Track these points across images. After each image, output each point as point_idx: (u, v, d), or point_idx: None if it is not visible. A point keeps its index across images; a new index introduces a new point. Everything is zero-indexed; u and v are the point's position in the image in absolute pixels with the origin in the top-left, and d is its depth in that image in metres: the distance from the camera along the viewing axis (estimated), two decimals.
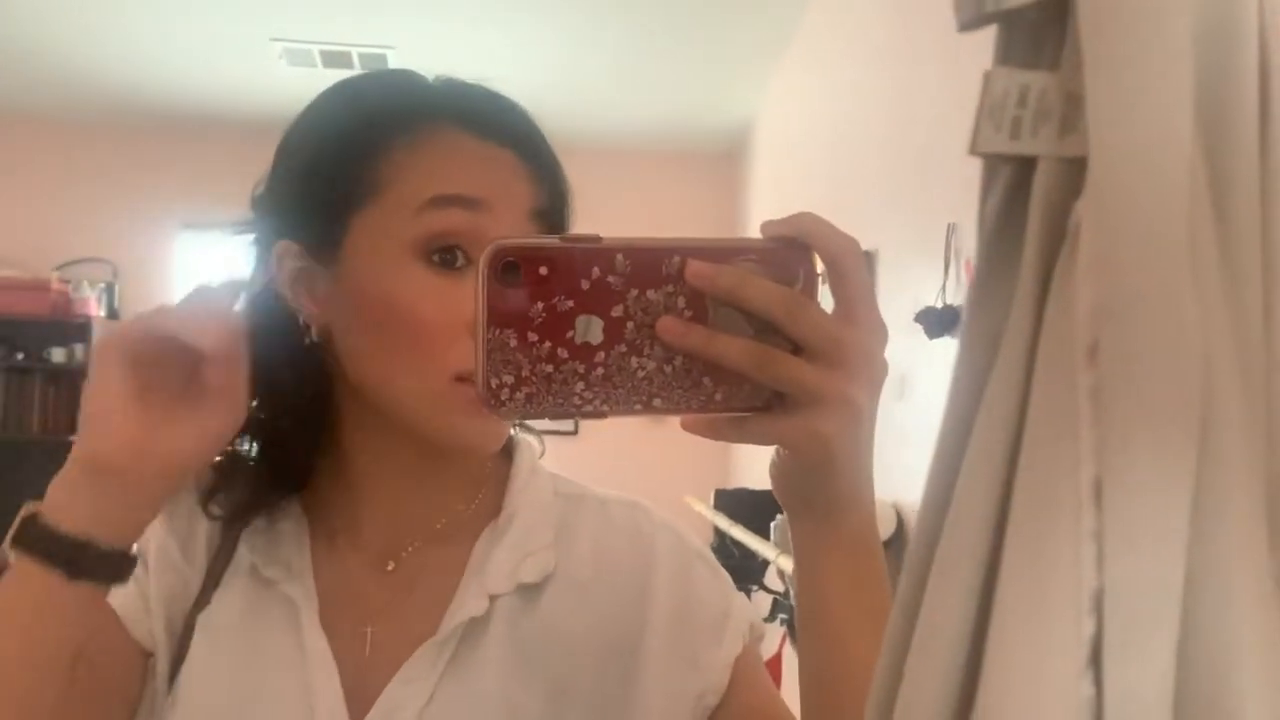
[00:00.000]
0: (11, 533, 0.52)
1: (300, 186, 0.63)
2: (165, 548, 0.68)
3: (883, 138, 2.66)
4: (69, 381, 3.87)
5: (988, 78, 0.32)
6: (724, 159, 4.59)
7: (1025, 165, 0.33)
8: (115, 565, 0.52)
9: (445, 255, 0.59)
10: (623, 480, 0.84)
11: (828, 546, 0.49)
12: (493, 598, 0.65)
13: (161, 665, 0.65)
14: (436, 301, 0.58)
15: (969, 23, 0.32)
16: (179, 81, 3.88)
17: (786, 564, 2.13)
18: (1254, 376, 0.35)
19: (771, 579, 2.67)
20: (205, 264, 4.21)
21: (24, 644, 0.52)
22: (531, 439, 0.74)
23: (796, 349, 0.44)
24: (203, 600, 0.66)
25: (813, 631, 0.51)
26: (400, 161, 0.60)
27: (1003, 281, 0.36)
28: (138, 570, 0.58)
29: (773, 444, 0.47)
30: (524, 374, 0.44)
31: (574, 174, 0.66)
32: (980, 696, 0.36)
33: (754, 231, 0.47)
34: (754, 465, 3.38)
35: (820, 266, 0.45)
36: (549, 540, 0.68)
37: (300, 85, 0.87)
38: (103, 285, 4.04)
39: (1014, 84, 0.32)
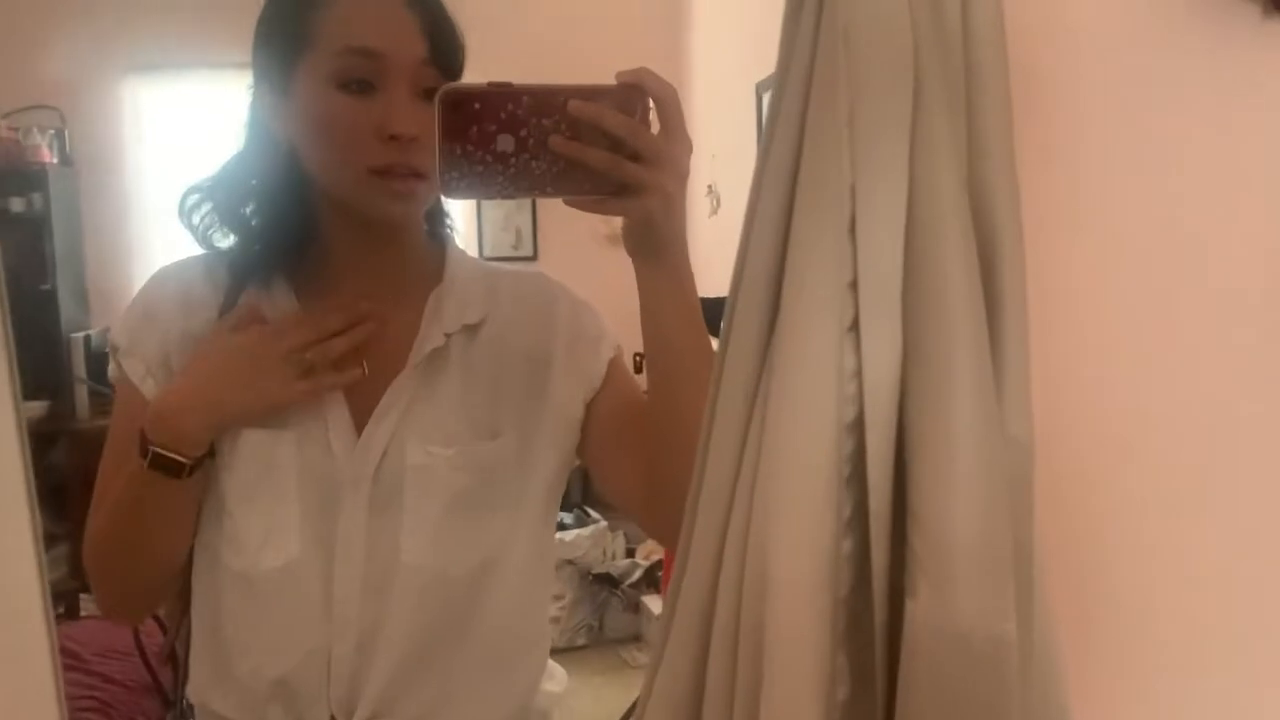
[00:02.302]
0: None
1: (267, 42, 0.90)
2: (185, 331, 0.93)
3: None
4: (31, 230, 3.89)
5: None
6: None
7: None
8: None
9: (357, 84, 0.85)
10: (581, 294, 1.05)
11: (656, 276, 0.79)
12: (447, 335, 0.94)
13: None
14: (350, 116, 0.85)
15: None
16: None
17: None
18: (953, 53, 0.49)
19: None
20: (155, 107, 4.16)
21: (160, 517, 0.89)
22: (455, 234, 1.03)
23: (634, 156, 0.71)
24: None
25: (654, 346, 0.81)
26: (326, 18, 0.86)
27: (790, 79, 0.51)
28: (164, 362, 0.91)
29: (619, 215, 0.75)
30: (464, 170, 0.71)
31: None
32: (773, 356, 0.52)
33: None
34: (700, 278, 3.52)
35: (651, 103, 0.72)
36: (482, 293, 0.98)
37: None
38: (52, 132, 4.01)
39: None
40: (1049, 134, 0.67)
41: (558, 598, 3.70)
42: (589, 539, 3.77)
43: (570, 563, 3.73)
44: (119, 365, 0.95)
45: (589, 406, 0.97)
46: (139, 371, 0.93)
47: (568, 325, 0.98)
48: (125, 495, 0.88)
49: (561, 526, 3.88)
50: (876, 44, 0.49)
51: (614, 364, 0.98)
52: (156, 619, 1.33)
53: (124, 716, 1.95)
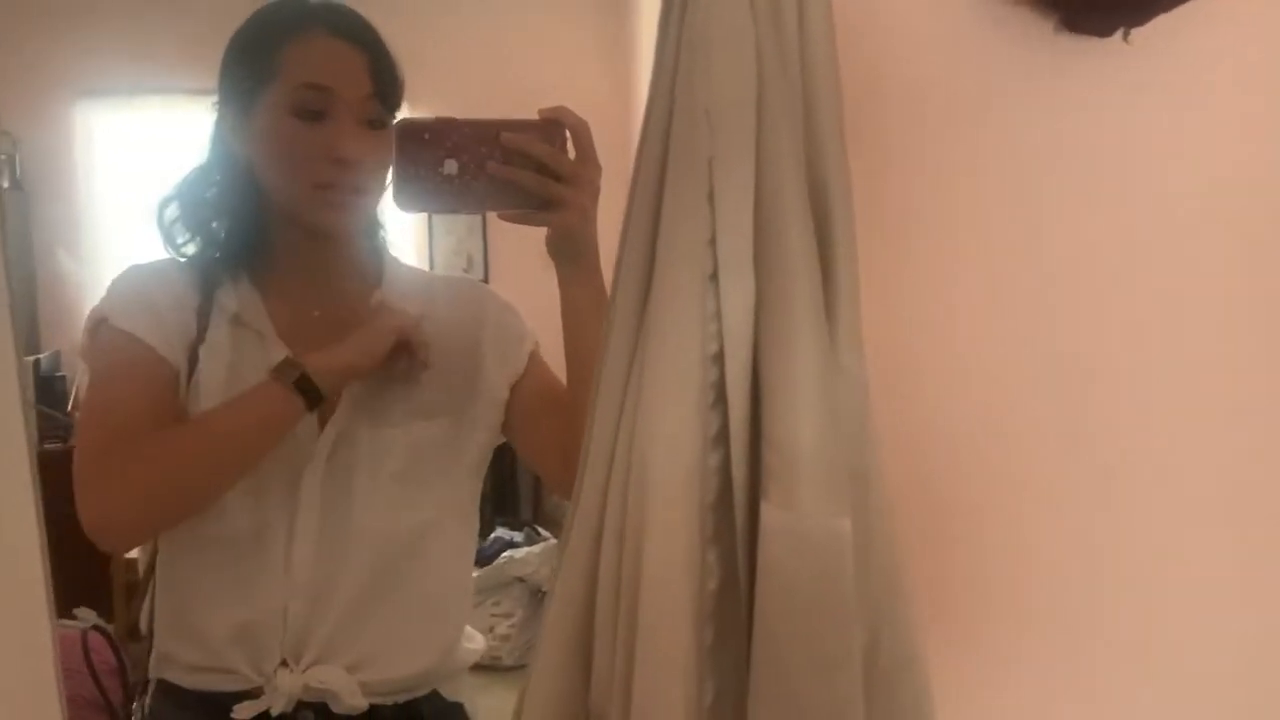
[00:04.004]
0: (276, 369, 0.97)
1: (234, 72, 1.04)
2: (172, 307, 1.04)
3: None
4: None
5: None
6: None
7: None
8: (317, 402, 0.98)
9: (310, 113, 0.99)
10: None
11: (574, 277, 0.94)
12: None
13: (182, 380, 1.03)
14: (304, 140, 0.99)
15: None
16: None
17: None
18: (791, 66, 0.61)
19: None
20: (107, 132, 4.21)
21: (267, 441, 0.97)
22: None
23: (556, 178, 0.87)
24: (200, 336, 1.04)
25: (570, 334, 0.96)
26: (288, 56, 1.00)
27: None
28: (159, 322, 1.01)
29: (544, 225, 0.89)
30: (416, 188, 0.86)
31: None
32: (649, 310, 0.63)
33: None
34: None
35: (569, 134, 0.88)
36: (420, 295, 1.12)
37: None
38: (4, 156, 4.04)
39: None
40: (882, 132, 0.79)
41: (507, 615, 3.76)
42: (539, 556, 3.84)
43: (520, 580, 3.79)
44: (109, 326, 1.01)
45: (513, 389, 1.12)
46: (141, 326, 1.01)
47: (495, 321, 1.14)
48: (242, 417, 0.97)
49: (511, 544, 3.94)
50: (727, 46, 0.61)
51: (533, 355, 1.15)
52: (105, 634, 1.40)
53: None
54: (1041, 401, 0.90)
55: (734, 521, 0.65)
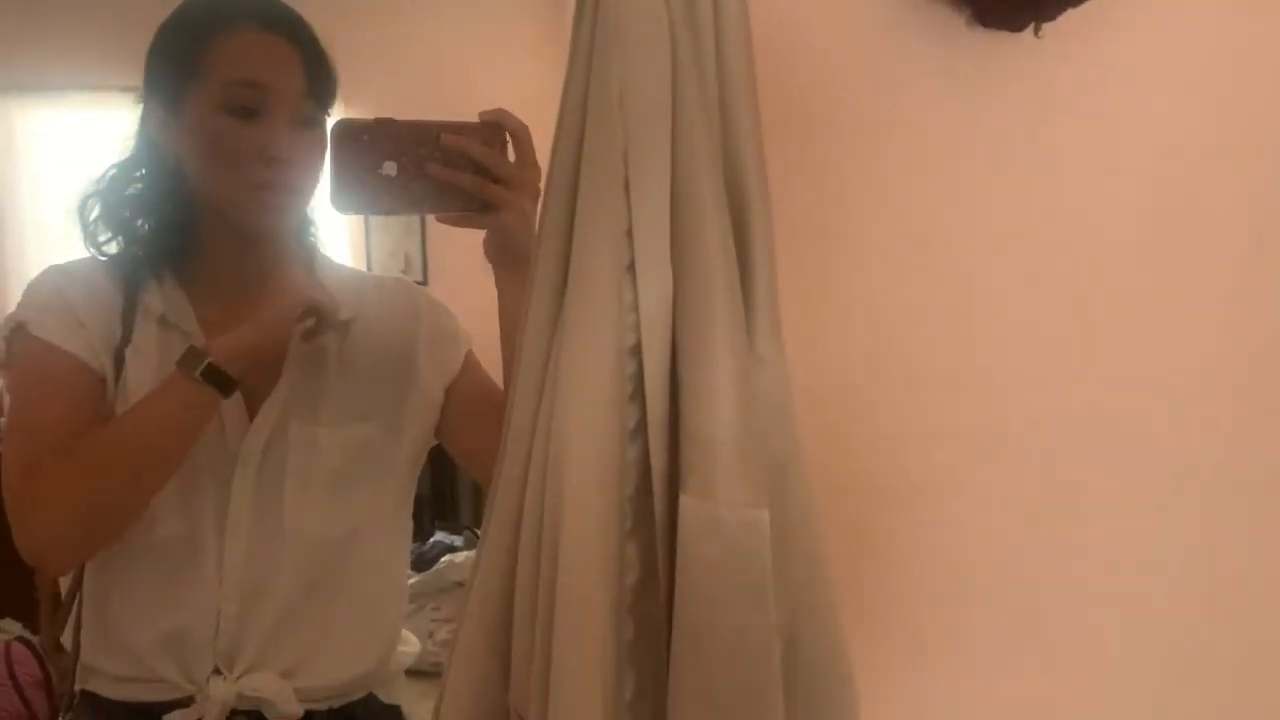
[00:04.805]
0: (181, 361, 0.93)
1: (160, 66, 1.00)
2: (94, 310, 1.00)
3: None
4: None
5: None
6: None
7: None
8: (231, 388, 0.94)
9: (243, 110, 0.96)
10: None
11: (512, 279, 0.90)
12: None
13: (110, 385, 0.99)
14: (236, 138, 0.96)
15: None
16: None
17: None
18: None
19: None
20: (30, 129, 4.09)
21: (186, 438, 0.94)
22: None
23: (495, 180, 0.85)
24: (125, 339, 1.00)
25: (508, 337, 0.90)
26: (218, 50, 0.96)
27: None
28: (80, 327, 0.97)
29: (483, 228, 0.87)
30: (355, 190, 0.85)
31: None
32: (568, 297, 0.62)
33: None
34: None
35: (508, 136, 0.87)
36: (351, 295, 1.08)
37: None
38: None
39: None
40: (798, 126, 0.80)
41: (447, 620, 3.72)
42: None
43: (460, 585, 3.75)
44: (27, 335, 0.98)
45: (448, 391, 1.10)
46: (61, 333, 0.98)
47: (429, 323, 1.12)
48: (155, 418, 0.93)
49: (450, 549, 3.90)
50: (642, 38, 0.61)
51: (468, 357, 1.13)
52: (30, 646, 1.35)
53: None
54: (961, 395, 0.91)
55: (653, 514, 0.64)
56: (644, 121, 0.61)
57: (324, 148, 0.97)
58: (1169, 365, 0.93)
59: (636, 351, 0.63)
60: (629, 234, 0.62)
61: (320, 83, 1.00)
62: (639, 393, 0.64)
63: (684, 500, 0.63)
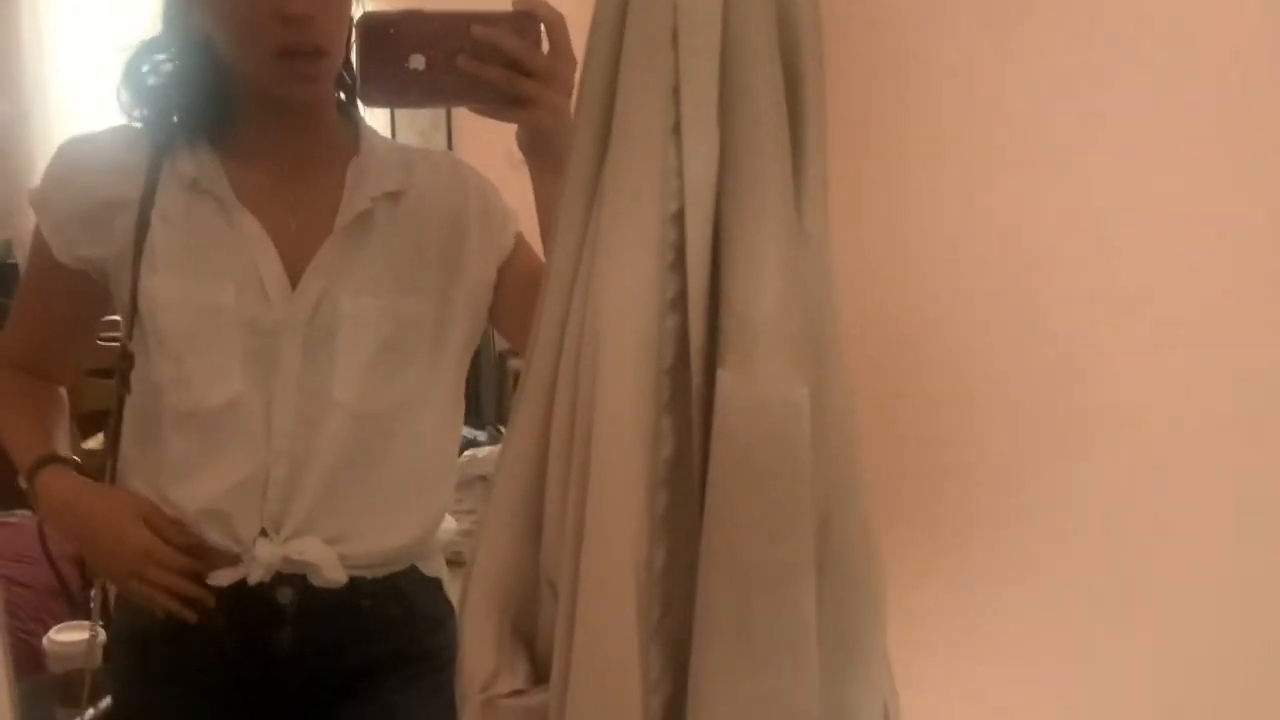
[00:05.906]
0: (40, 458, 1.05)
1: None
2: (109, 181, 1.01)
3: None
4: None
5: None
6: None
7: None
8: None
9: None
10: None
11: (545, 173, 0.88)
12: (372, 200, 1.03)
13: (121, 258, 1.01)
14: (254, 5, 0.93)
15: None
16: None
17: None
18: None
19: None
20: (58, 13, 4.02)
21: None
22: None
23: (528, 73, 0.83)
24: (148, 200, 1.00)
25: (544, 222, 0.90)
26: None
27: None
28: (73, 214, 1.00)
29: (514, 122, 0.85)
30: (382, 84, 0.84)
31: None
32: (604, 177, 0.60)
33: None
34: None
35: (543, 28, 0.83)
36: (399, 166, 1.06)
37: None
38: None
39: None
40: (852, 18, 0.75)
41: (470, 513, 3.77)
42: None
43: (483, 479, 3.80)
44: (38, 217, 1.04)
45: (500, 271, 1.09)
46: (48, 227, 1.03)
47: (478, 199, 1.09)
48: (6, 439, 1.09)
49: (474, 444, 3.94)
50: None
51: (519, 237, 1.11)
52: None
53: (30, 618, 1.98)
54: (1000, 294, 0.88)
55: (690, 387, 0.63)
56: None
57: (347, 5, 0.97)
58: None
59: (679, 219, 0.61)
60: (675, 91, 0.59)
61: None
62: (680, 261, 0.61)
63: (722, 375, 0.61)
